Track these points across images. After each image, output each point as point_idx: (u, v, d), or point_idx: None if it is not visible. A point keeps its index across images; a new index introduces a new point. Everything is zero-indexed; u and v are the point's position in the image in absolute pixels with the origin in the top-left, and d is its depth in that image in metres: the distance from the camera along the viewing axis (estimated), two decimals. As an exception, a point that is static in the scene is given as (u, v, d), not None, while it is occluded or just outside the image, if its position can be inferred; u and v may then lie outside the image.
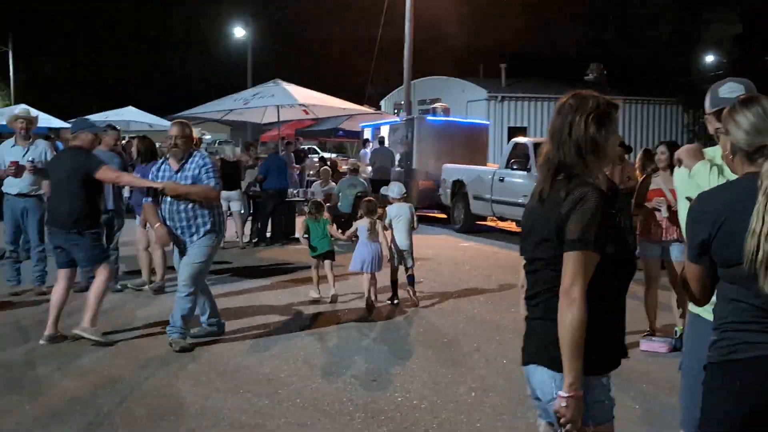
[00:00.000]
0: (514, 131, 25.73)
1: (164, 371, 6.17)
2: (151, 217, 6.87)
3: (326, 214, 9.68)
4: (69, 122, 24.36)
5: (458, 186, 16.46)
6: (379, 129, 20.93)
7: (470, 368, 6.47)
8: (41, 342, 6.77)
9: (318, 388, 5.83)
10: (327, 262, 9.05)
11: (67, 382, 5.87)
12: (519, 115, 28.49)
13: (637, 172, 12.42)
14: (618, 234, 2.83)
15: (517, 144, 15.28)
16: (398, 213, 8.86)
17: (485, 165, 17.74)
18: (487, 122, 21.80)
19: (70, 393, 5.62)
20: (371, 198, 9.72)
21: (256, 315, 8.14)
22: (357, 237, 8.95)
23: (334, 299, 8.87)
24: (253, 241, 13.52)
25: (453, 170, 16.95)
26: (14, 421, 5.06)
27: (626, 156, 13.36)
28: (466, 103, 27.88)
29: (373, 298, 8.57)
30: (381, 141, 19.62)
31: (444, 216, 17.80)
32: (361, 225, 8.81)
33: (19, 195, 8.64)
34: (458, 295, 9.49)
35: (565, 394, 2.67)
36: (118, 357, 6.48)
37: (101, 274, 6.95)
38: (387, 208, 9.05)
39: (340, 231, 10.07)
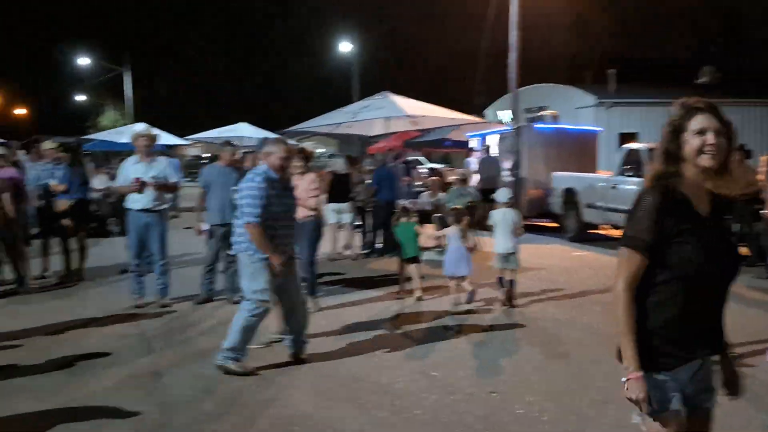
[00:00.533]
0: (624, 137, 25.13)
1: (284, 382, 6.26)
2: (263, 241, 6.37)
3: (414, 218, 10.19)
4: (184, 139, 25.22)
5: (569, 194, 16.19)
6: (486, 138, 20.80)
7: (590, 380, 6.32)
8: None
9: (437, 399, 5.80)
10: (412, 266, 9.73)
11: (191, 391, 6.03)
12: (629, 121, 27.78)
13: (761, 176, 11.93)
14: (686, 235, 2.87)
15: (630, 150, 14.91)
16: (502, 217, 9.15)
17: (595, 172, 17.39)
18: (598, 129, 21.36)
19: (195, 401, 5.77)
20: (459, 207, 10.15)
21: (370, 326, 8.19)
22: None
23: (418, 299, 9.51)
24: (364, 252, 13.62)
25: (564, 178, 16.68)
26: (146, 428, 5.25)
27: (746, 160, 12.86)
28: (573, 110, 27.40)
29: (472, 299, 8.99)
30: (488, 150, 19.48)
31: (555, 225, 17.52)
32: (451, 232, 9.22)
33: (142, 210, 8.93)
34: (574, 305, 9.31)
35: (623, 378, 2.90)
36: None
37: None
38: (491, 213, 9.41)
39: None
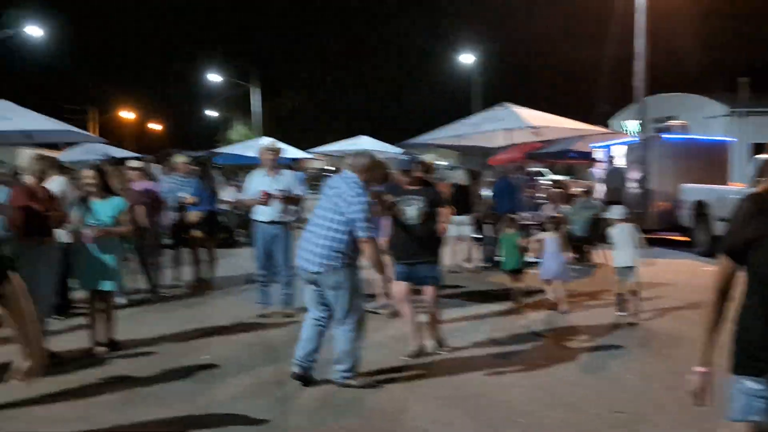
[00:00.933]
0: (758, 148, 24.06)
1: (405, 395, 6.26)
2: (379, 257, 6.48)
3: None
4: (308, 152, 25.72)
5: (700, 207, 15.60)
6: (611, 149, 20.34)
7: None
8: (403, 357, 7.27)
9: (561, 418, 5.67)
10: (516, 277, 9.96)
11: (314, 400, 6.11)
12: (763, 131, 26.60)
13: None
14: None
15: (763, 161, 14.23)
16: (620, 232, 9.24)
17: (727, 184, 16.71)
18: (730, 139, 20.53)
19: (318, 411, 5.85)
20: (559, 215, 10.74)
21: (492, 340, 8.11)
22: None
23: (519, 302, 9.81)
24: (484, 265, 13.50)
25: (693, 190, 16.09)
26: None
27: None
28: (703, 119, 26.47)
29: (556, 301, 9.51)
30: (613, 161, 19.04)
31: (684, 239, 16.92)
32: (549, 239, 9.76)
33: (268, 222, 9.15)
34: (705, 323, 8.93)
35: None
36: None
37: (433, 293, 7.49)
38: (609, 229, 9.54)
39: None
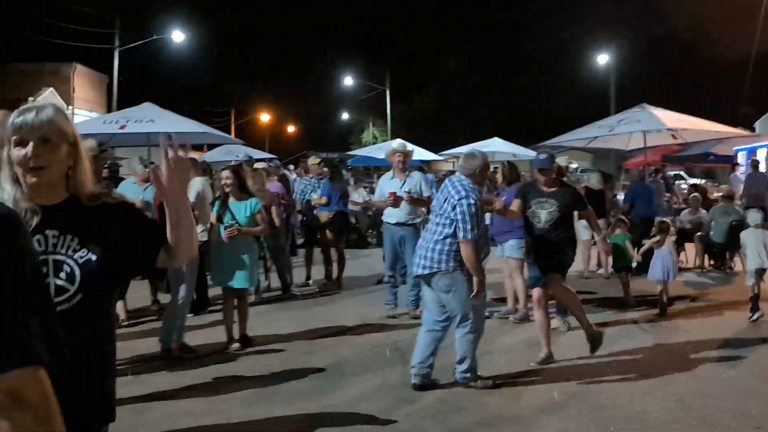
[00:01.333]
0: None
1: (531, 402, 6.16)
2: (477, 260, 6.33)
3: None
4: (439, 154, 25.76)
5: None
6: (754, 152, 19.42)
7: None
8: (533, 364, 7.13)
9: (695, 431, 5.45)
10: (622, 274, 10.42)
11: (440, 403, 6.10)
12: None
13: None
14: None
15: None
16: (752, 236, 9.53)
17: None
18: None
19: (443, 414, 5.83)
20: (665, 219, 10.92)
21: (623, 348, 7.84)
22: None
23: (629, 304, 10.13)
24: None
25: None
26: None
27: None
28: None
29: (665, 301, 9.65)
30: (755, 165, 18.14)
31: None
32: (653, 242, 10.04)
33: (397, 224, 9.22)
34: None
35: None
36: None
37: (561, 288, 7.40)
38: (741, 234, 9.91)
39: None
